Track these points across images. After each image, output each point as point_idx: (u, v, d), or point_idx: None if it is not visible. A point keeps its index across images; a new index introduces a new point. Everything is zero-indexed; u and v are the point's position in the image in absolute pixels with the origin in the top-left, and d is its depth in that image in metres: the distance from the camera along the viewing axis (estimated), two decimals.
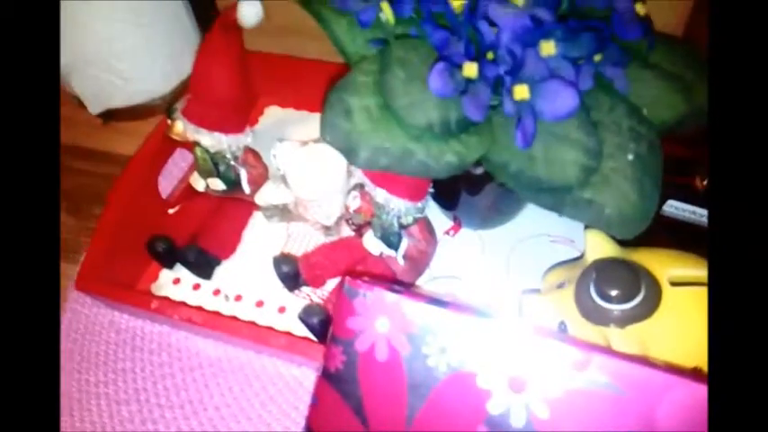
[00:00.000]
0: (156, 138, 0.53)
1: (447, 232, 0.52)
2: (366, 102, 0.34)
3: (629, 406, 0.30)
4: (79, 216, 0.60)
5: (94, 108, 0.64)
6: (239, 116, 0.50)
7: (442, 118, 0.34)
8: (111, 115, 0.66)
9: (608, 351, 0.32)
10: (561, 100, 0.32)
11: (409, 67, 0.35)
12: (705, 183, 0.41)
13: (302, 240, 0.54)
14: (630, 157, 0.34)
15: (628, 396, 0.29)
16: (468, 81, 0.34)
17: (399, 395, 0.34)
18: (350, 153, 0.33)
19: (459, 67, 0.34)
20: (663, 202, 0.42)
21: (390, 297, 0.34)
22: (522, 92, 0.32)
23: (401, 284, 0.45)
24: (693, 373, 0.33)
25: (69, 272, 0.52)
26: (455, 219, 0.52)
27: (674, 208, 0.42)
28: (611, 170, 0.34)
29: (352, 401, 0.35)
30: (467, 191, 0.48)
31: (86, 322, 0.51)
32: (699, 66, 0.39)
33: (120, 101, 0.64)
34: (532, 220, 0.52)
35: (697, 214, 0.41)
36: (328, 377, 0.35)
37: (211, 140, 0.49)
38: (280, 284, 0.49)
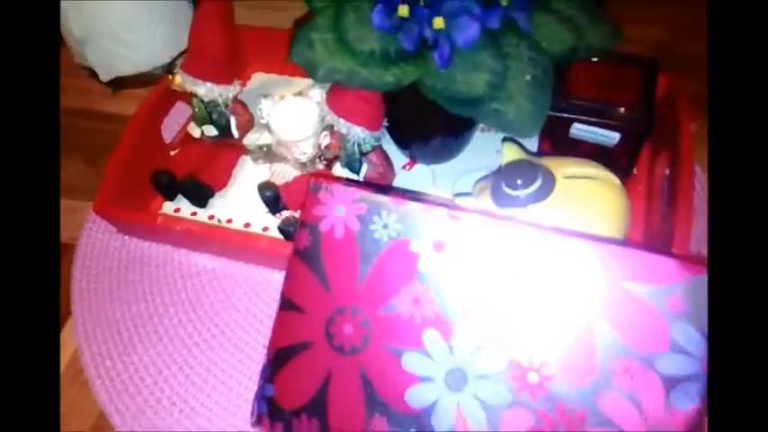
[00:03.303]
0: (159, 90, 0.63)
1: (404, 167, 0.62)
2: (325, 36, 0.45)
3: (535, 259, 0.39)
4: (95, 166, 0.70)
5: (105, 76, 0.74)
6: (228, 70, 0.60)
7: (383, 48, 0.44)
8: (119, 84, 0.76)
9: (510, 219, 0.42)
10: (468, 30, 0.42)
11: (360, 11, 0.46)
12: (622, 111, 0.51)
13: (283, 177, 0.63)
14: (528, 78, 0.44)
15: (535, 252, 0.39)
16: (403, 20, 0.44)
17: (352, 263, 0.44)
18: (311, 71, 0.43)
19: (396, 9, 0.44)
20: (570, 124, 0.52)
21: (345, 189, 0.44)
22: (438, 23, 0.42)
23: (354, 182, 0.55)
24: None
25: (88, 210, 0.61)
26: (410, 156, 0.62)
27: (579, 130, 0.52)
28: (514, 88, 0.44)
29: (317, 271, 0.44)
30: (420, 132, 0.58)
31: (101, 245, 0.61)
32: (591, 11, 0.50)
33: (126, 69, 0.74)
34: (475, 156, 0.62)
35: (598, 134, 0.51)
36: (298, 254, 0.45)
37: (205, 90, 0.59)
38: (264, 210, 0.59)
